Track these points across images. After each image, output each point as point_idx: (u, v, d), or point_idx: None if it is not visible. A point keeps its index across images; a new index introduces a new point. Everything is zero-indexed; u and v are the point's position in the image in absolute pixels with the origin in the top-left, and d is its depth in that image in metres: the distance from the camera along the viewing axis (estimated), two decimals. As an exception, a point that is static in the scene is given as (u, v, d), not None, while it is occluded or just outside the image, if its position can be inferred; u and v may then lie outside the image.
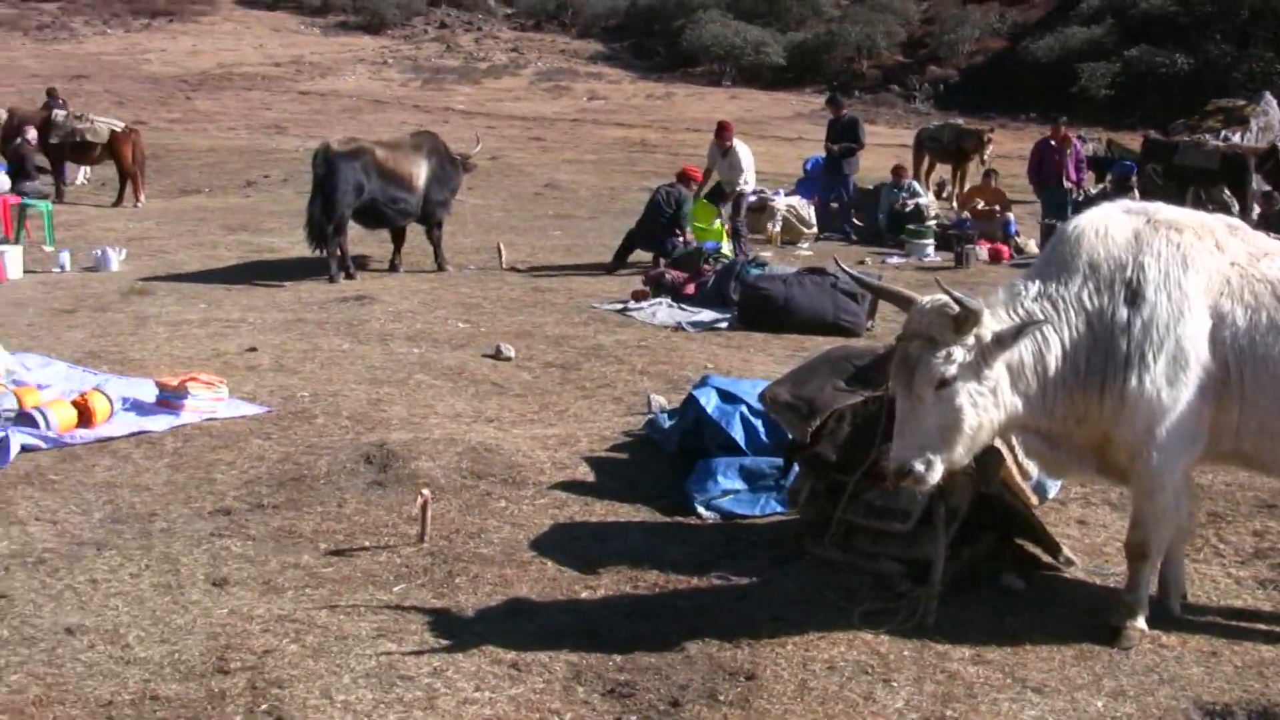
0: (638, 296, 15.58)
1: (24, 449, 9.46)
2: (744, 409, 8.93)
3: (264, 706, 5.77)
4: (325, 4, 79.55)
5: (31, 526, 8.03)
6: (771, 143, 40.71)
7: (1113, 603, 6.78)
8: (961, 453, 6.20)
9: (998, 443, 6.67)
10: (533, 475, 8.94)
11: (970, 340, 6.05)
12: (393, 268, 17.81)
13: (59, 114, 26.56)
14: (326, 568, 7.35)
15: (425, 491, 7.79)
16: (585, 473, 9.08)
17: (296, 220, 19.14)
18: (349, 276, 16.91)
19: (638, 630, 6.56)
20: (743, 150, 20.05)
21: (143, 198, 25.90)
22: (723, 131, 20.17)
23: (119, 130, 26.07)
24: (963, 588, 7.03)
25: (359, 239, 18.23)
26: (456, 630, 6.53)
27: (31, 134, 24.61)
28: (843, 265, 7.56)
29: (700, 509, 8.31)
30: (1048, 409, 6.32)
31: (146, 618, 6.68)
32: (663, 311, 14.89)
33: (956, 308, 6.01)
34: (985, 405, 6.13)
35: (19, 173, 23.47)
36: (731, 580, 7.26)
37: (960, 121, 34.48)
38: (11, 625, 6.58)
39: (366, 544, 7.71)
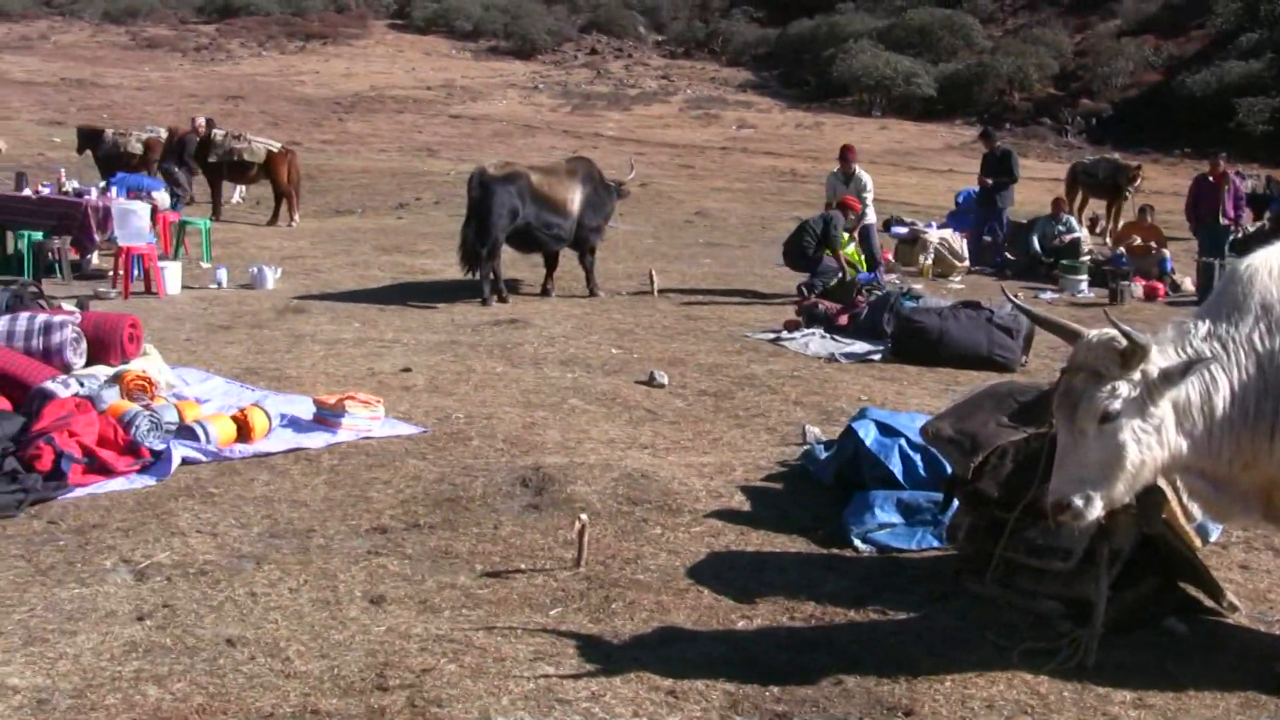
0: (790, 326, 15.50)
1: (184, 461, 9.64)
2: (903, 442, 8.86)
3: (423, 725, 5.82)
4: (477, 29, 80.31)
5: (192, 538, 8.15)
6: (922, 175, 40.50)
7: (1279, 650, 6.65)
8: (1122, 490, 6.08)
9: (1161, 483, 6.56)
10: (688, 503, 8.93)
11: (1136, 376, 5.94)
12: (544, 292, 17.90)
13: (217, 133, 27.01)
14: (483, 589, 7.39)
15: (583, 516, 7.81)
16: (741, 502, 9.05)
17: (449, 242, 19.33)
18: (501, 300, 17.03)
19: (794, 661, 6.51)
20: (865, 177, 19.95)
21: (297, 217, 26.28)
22: (847, 156, 20.03)
23: (276, 150, 26.46)
24: (1124, 630, 6.91)
25: (511, 262, 18.34)
26: (613, 656, 6.52)
27: (201, 121, 25.33)
28: (1009, 295, 7.45)
29: (856, 541, 8.25)
30: (1213, 451, 6.18)
31: (305, 632, 6.75)
32: (815, 342, 14.81)
33: (1124, 342, 5.91)
34: (1149, 443, 6.01)
35: (179, 163, 24.11)
36: (889, 614, 7.20)
37: (1116, 156, 33.95)
38: (174, 634, 6.68)
39: (523, 566, 7.74)
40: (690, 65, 74.16)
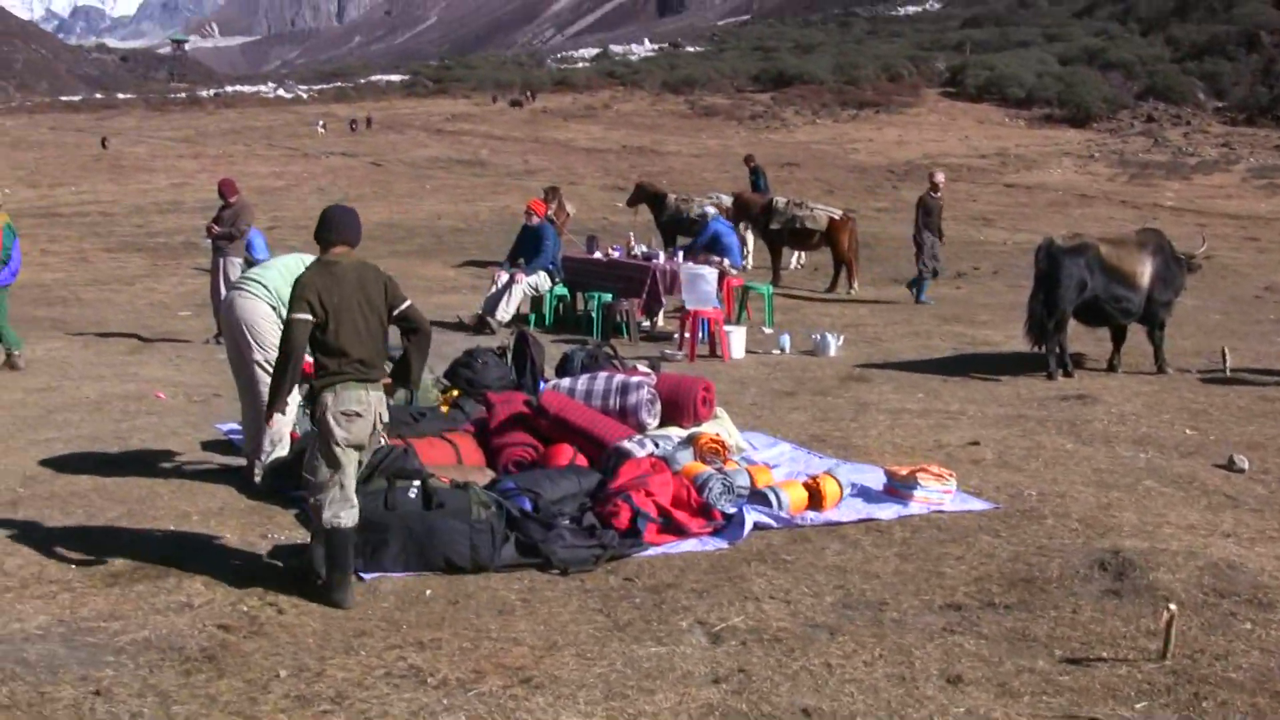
0: (1381, 413, 14.59)
1: (756, 526, 9.76)
2: None
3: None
4: (1030, 96, 79.85)
5: (766, 604, 8.22)
6: None
7: None
8: None
9: None
10: (1280, 598, 8.48)
11: None
12: (1111, 367, 17.39)
13: (779, 201, 27.51)
14: (1064, 675, 7.16)
15: (1171, 606, 7.48)
16: (1342, 601, 8.51)
17: (1009, 313, 19.16)
18: (1067, 374, 16.64)
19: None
20: None
21: (856, 284, 26.50)
22: None
23: (837, 217, 26.77)
24: None
25: (1075, 335, 17.93)
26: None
27: (940, 177, 25.94)
28: None
29: None
30: None
31: (882, 708, 6.68)
32: None
33: None
34: None
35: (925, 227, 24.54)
36: None
37: None
38: (750, 700, 6.73)
39: (1104, 654, 7.47)
40: (1253, 133, 71.50)
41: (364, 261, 8.59)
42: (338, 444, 8.26)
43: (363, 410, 8.28)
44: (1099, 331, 18.06)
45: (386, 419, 8.68)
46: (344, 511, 8.30)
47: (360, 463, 8.57)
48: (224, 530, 9.62)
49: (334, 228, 8.54)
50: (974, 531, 9.74)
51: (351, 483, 8.41)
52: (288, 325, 8.26)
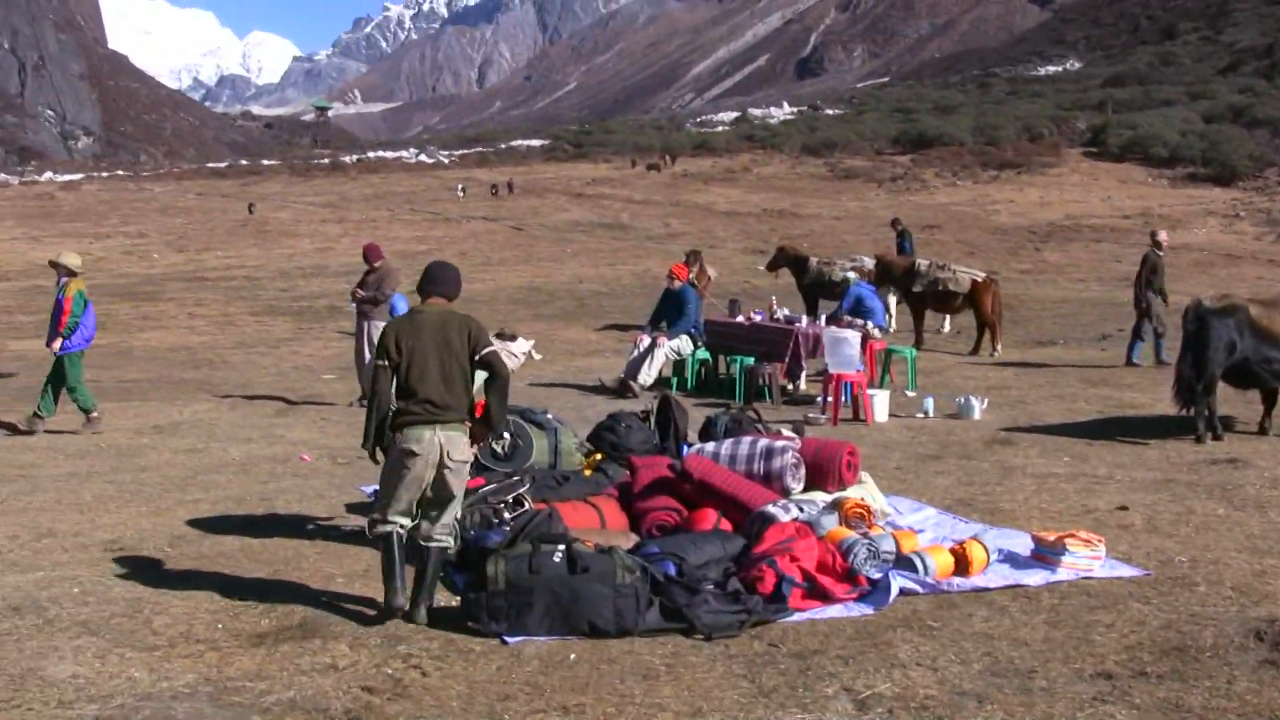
0: None
1: (902, 592, 9.66)
2: None
3: None
4: (1173, 155, 78.90)
5: (913, 671, 8.11)
6: None
7: None
8: None
9: None
10: None
11: None
12: (1262, 430, 17.00)
13: (922, 264, 27.43)
14: (1225, 748, 7.03)
15: (1330, 679, 7.33)
16: None
17: (1155, 375, 18.84)
18: (1216, 438, 16.28)
19: None
20: None
21: (999, 347, 26.29)
22: None
23: (980, 280, 26.62)
24: None
25: (1223, 398, 17.64)
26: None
27: (1163, 235, 25.09)
28: None
29: None
30: None
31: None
32: None
33: None
34: None
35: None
36: None
37: None
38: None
39: (1261, 727, 7.32)
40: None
41: (452, 311, 9.21)
42: (396, 480, 8.93)
43: (419, 449, 8.84)
44: (1249, 394, 17.75)
45: (457, 457, 9.05)
46: (380, 526, 9.05)
47: (431, 499, 9.17)
48: (369, 592, 9.68)
49: (431, 281, 9.30)
50: (1124, 598, 9.55)
51: (398, 511, 9.06)
52: (373, 370, 9.05)
